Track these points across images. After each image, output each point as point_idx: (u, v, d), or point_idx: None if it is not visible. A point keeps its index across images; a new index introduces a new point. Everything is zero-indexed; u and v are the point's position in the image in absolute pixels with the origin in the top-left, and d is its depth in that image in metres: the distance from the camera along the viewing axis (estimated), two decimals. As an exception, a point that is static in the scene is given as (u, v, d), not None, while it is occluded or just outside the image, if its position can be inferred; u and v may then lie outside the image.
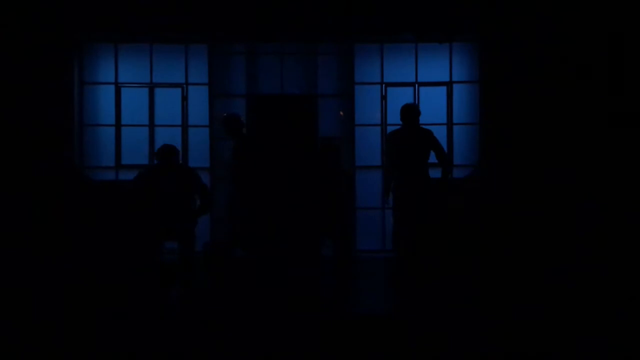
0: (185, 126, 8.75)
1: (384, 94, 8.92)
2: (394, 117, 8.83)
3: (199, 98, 8.75)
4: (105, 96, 8.78)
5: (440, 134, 8.52)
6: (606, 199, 7.86)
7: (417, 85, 8.89)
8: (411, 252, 7.33)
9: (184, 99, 8.78)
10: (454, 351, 4.66)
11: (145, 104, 8.80)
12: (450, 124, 8.84)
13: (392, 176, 7.59)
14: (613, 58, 8.05)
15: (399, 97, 8.86)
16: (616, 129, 7.95)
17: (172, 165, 7.02)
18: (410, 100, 8.77)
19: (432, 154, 7.54)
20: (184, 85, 8.79)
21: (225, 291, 6.85)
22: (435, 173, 7.72)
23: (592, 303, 5.91)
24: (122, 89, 8.77)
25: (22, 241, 7.84)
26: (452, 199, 7.98)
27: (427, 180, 7.48)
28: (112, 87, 8.76)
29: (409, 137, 7.47)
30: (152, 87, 8.80)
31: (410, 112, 7.54)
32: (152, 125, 8.76)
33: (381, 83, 8.91)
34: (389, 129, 8.79)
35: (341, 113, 8.69)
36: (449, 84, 8.85)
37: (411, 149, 7.43)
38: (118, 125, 8.76)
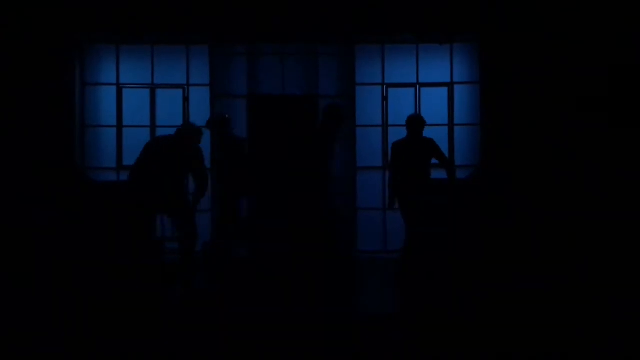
0: (186, 127, 8.74)
1: (385, 94, 8.92)
2: (395, 118, 8.85)
3: (200, 99, 8.76)
4: (106, 97, 8.80)
5: (441, 134, 8.53)
6: (607, 199, 7.84)
7: (418, 86, 8.89)
8: (415, 253, 7.39)
9: (185, 99, 8.79)
10: (456, 352, 4.65)
11: (146, 104, 8.82)
12: (451, 124, 8.84)
13: (395, 181, 7.67)
14: (614, 58, 8.04)
15: (400, 98, 8.88)
16: (617, 129, 7.94)
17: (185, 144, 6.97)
18: (411, 101, 8.83)
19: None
20: (185, 86, 8.81)
21: (225, 291, 6.84)
22: (437, 174, 7.79)
23: (596, 303, 5.89)
24: (124, 90, 8.79)
25: (23, 242, 7.85)
26: (455, 200, 8.00)
27: (430, 182, 7.63)
28: (114, 88, 8.78)
29: (413, 146, 7.57)
30: (153, 88, 8.81)
31: (416, 123, 7.60)
32: (153, 126, 8.77)
33: (382, 84, 8.92)
34: (390, 130, 8.83)
35: None
36: (450, 85, 8.86)
37: (415, 157, 7.55)
38: (119, 126, 8.78)
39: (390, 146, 8.58)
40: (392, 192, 7.75)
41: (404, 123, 8.63)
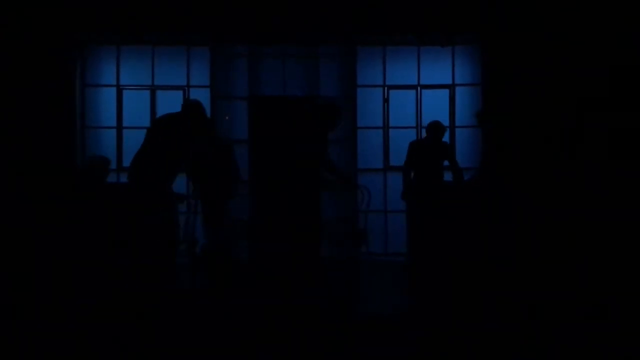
0: (186, 128, 8.73)
1: (386, 96, 8.91)
2: (396, 120, 8.85)
3: (200, 100, 8.71)
4: (106, 98, 8.79)
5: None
6: (608, 199, 7.82)
7: (419, 88, 8.89)
8: (426, 254, 7.55)
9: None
10: (457, 352, 4.64)
11: (147, 106, 8.81)
12: (452, 126, 8.82)
13: (408, 179, 7.87)
14: (615, 59, 8.03)
15: (402, 100, 8.87)
16: (617, 130, 7.93)
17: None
18: (412, 103, 8.83)
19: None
20: (186, 88, 8.80)
21: (226, 292, 6.82)
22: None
23: (599, 304, 5.88)
24: (124, 91, 8.79)
25: (24, 243, 7.84)
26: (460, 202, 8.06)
27: (442, 183, 7.93)
28: (114, 89, 8.78)
29: (429, 148, 7.83)
30: (153, 89, 8.81)
31: (438, 130, 7.82)
32: (154, 127, 8.75)
33: (383, 86, 8.92)
34: (391, 132, 8.86)
35: None
36: (451, 87, 8.85)
37: (430, 158, 7.83)
38: (119, 127, 8.77)
39: (390, 145, 8.68)
40: (405, 187, 7.93)
41: (405, 125, 8.74)
